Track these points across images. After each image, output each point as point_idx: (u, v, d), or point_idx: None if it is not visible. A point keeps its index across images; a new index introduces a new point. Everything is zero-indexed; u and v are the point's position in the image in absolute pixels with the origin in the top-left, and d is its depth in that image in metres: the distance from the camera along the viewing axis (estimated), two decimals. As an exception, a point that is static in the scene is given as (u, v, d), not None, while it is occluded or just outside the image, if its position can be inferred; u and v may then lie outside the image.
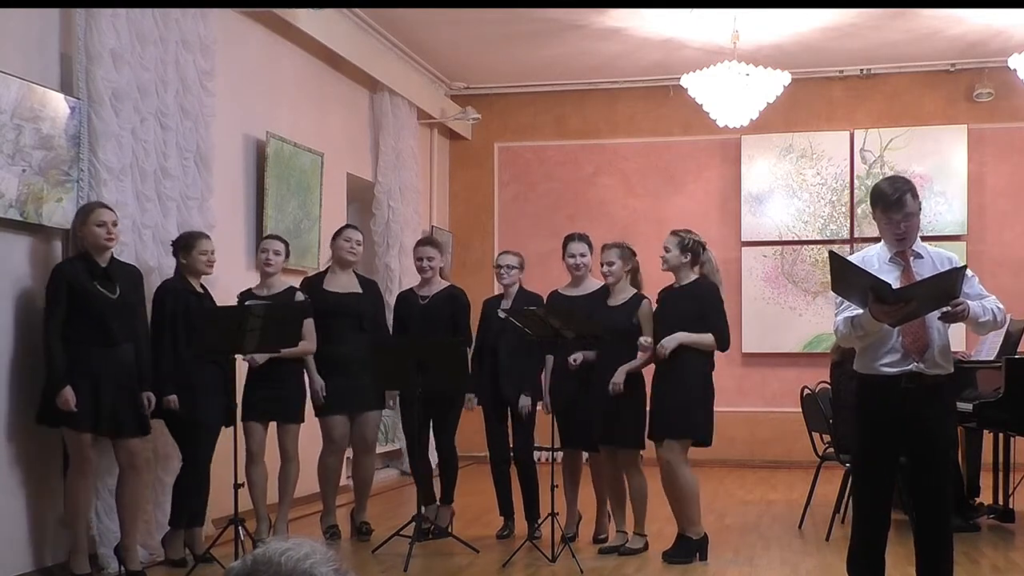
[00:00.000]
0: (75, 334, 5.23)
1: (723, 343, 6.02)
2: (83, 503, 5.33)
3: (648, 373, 6.20)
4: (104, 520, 5.60)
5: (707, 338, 5.95)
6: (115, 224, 5.38)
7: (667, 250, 6.03)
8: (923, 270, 4.07)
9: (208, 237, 5.97)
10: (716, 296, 6.01)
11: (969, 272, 4.06)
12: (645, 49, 9.57)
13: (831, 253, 4.00)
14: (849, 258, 4.18)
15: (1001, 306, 4.13)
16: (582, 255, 6.50)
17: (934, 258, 4.14)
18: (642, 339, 6.07)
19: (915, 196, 4.11)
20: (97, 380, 5.25)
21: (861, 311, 3.98)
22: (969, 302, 3.96)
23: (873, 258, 4.16)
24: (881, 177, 7.08)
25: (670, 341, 5.92)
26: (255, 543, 5.55)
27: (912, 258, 4.11)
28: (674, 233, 6.08)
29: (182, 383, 5.68)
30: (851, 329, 4.05)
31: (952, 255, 4.18)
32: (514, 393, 6.50)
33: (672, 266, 6.04)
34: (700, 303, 5.96)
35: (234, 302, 6.26)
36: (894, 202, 4.07)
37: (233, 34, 7.20)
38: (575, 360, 6.23)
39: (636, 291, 6.30)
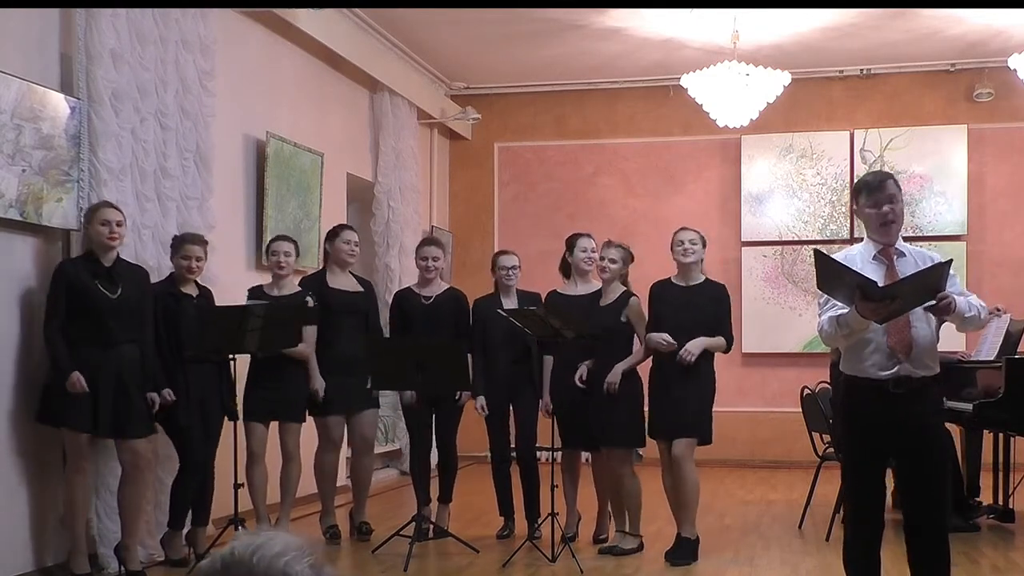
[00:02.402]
0: (74, 333, 5.23)
1: (731, 346, 6.18)
2: (81, 502, 5.33)
3: (643, 370, 6.21)
4: (104, 520, 5.59)
5: (722, 342, 6.08)
6: (119, 224, 5.37)
7: (693, 243, 6.09)
8: (906, 268, 4.05)
9: (195, 242, 5.84)
10: (729, 300, 6.21)
11: (950, 271, 4.04)
12: (645, 49, 9.57)
13: (816, 251, 3.96)
14: (833, 256, 4.16)
15: (983, 303, 4.13)
16: (593, 250, 6.57)
17: (916, 257, 4.12)
18: (661, 339, 6.01)
19: (898, 186, 4.14)
20: (96, 380, 5.23)
21: (845, 310, 3.97)
22: (956, 296, 3.94)
23: (856, 257, 4.14)
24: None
25: (695, 347, 5.95)
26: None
27: (895, 256, 4.10)
28: (695, 231, 6.16)
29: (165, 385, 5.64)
30: (836, 328, 4.03)
31: (934, 254, 4.17)
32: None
33: (697, 260, 6.10)
34: (716, 307, 6.08)
35: (233, 302, 6.22)
36: (877, 185, 4.08)
37: (233, 34, 7.20)
38: (582, 376, 6.23)
39: (624, 289, 6.32)
